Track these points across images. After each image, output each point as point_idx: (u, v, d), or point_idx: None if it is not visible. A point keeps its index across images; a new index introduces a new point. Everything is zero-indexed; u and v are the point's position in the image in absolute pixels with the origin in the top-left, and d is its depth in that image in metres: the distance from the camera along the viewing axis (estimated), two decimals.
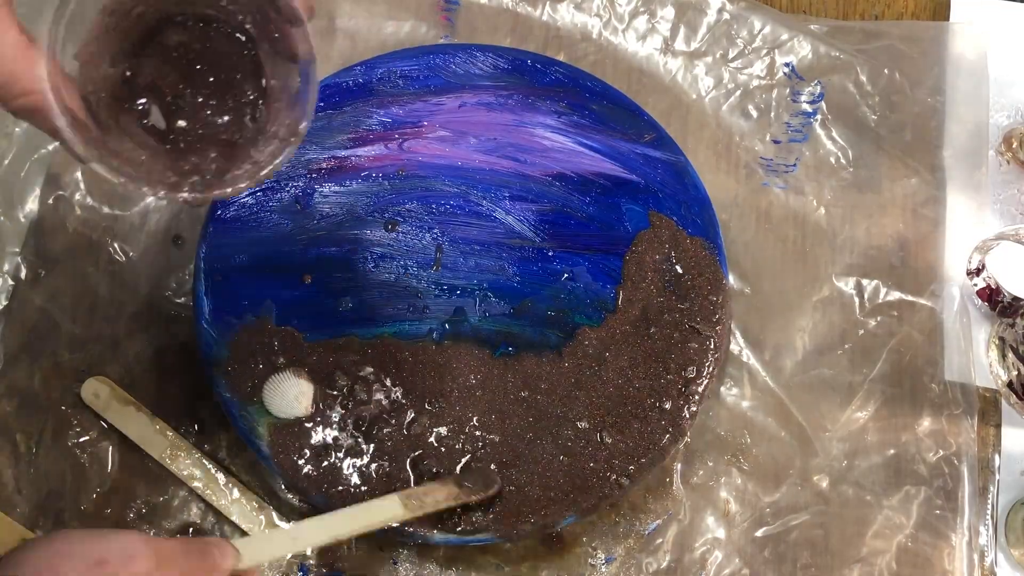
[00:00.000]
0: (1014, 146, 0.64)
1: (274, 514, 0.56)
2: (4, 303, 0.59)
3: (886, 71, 0.66)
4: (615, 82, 0.63)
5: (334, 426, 0.53)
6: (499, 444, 0.53)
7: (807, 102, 0.65)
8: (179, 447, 0.56)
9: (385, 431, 0.53)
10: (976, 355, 0.60)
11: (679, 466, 0.57)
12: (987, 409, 0.60)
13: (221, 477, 0.56)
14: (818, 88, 0.65)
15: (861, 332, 0.61)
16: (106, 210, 0.62)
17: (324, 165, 0.58)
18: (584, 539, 0.56)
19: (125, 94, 0.38)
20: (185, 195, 0.37)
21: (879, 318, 0.61)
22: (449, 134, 0.59)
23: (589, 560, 0.56)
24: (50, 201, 0.61)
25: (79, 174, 0.62)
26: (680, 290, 0.57)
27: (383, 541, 0.56)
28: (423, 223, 0.58)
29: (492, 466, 0.53)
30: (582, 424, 0.54)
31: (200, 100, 0.38)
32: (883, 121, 0.65)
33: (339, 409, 0.54)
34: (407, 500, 0.48)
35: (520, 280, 0.57)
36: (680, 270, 0.57)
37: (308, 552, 0.55)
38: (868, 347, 0.60)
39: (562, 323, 0.56)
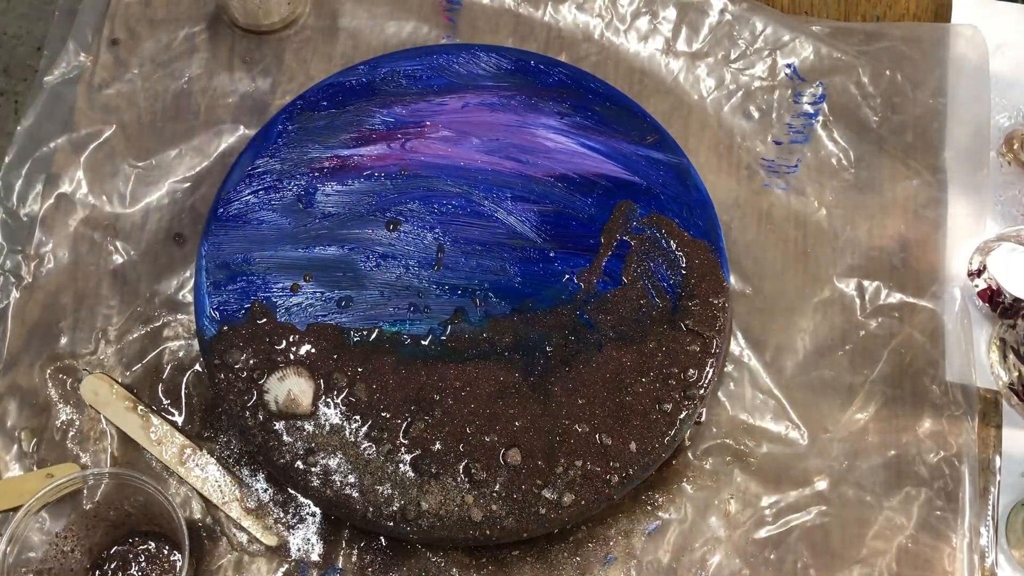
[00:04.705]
0: (1015, 147, 0.64)
1: (273, 509, 0.56)
2: (5, 302, 0.59)
3: (888, 72, 0.66)
4: (616, 83, 0.63)
5: (334, 425, 0.53)
6: (498, 445, 0.53)
7: (808, 103, 0.65)
8: (179, 445, 0.56)
9: (384, 431, 0.53)
10: (977, 356, 0.60)
11: (679, 467, 0.57)
12: (988, 410, 0.60)
13: (221, 474, 0.56)
14: (820, 89, 0.65)
15: (862, 333, 0.61)
16: (107, 209, 0.62)
17: (326, 164, 0.58)
18: (584, 539, 0.56)
19: None
20: None
21: (880, 319, 0.61)
22: (452, 134, 0.59)
23: (589, 560, 0.56)
24: (51, 200, 0.62)
25: (80, 173, 0.62)
26: (681, 292, 0.57)
27: (384, 539, 0.56)
28: (425, 223, 0.58)
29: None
30: (581, 427, 0.54)
31: None
32: (885, 122, 0.65)
33: (339, 408, 0.54)
34: None
35: (521, 281, 0.57)
36: (682, 272, 0.57)
37: (314, 557, 0.55)
38: (869, 348, 0.60)
39: (563, 324, 0.56)
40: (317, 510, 0.56)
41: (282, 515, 0.56)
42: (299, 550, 0.55)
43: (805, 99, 0.65)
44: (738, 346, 0.60)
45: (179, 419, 0.58)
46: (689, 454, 0.58)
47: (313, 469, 0.53)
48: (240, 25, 0.65)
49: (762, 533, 0.57)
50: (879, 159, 0.64)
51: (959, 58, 0.66)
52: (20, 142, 0.63)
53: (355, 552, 0.55)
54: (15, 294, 0.59)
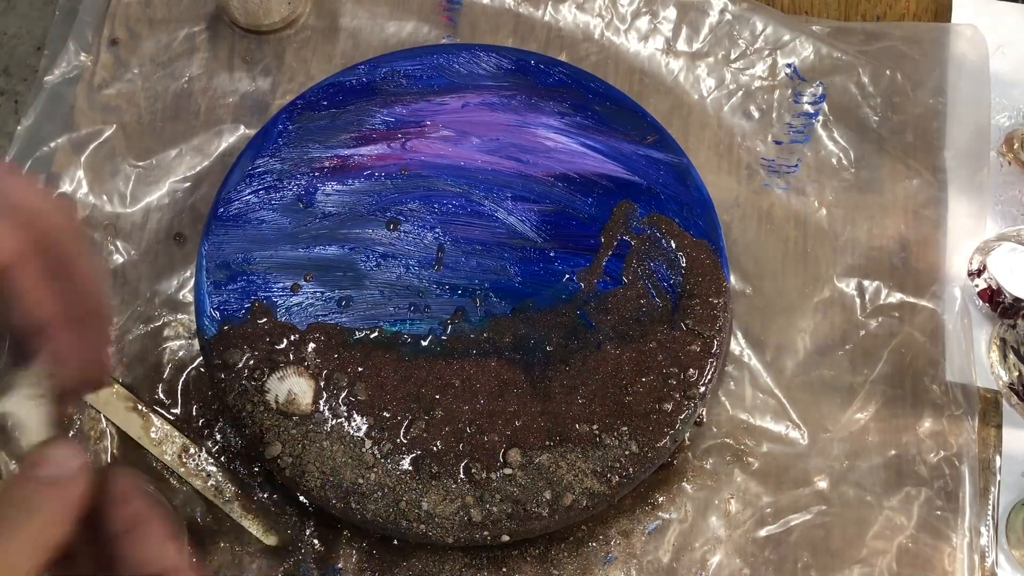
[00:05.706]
0: (1015, 147, 0.64)
1: (273, 510, 0.56)
2: None
3: (888, 72, 0.66)
4: (617, 83, 0.63)
5: (334, 424, 0.53)
6: (498, 444, 0.53)
7: (809, 103, 0.65)
8: (179, 445, 0.56)
9: (385, 430, 0.53)
10: (977, 356, 0.60)
11: (680, 467, 0.57)
12: (988, 410, 0.60)
13: (221, 474, 0.56)
14: (820, 89, 0.65)
15: (862, 333, 0.61)
16: (108, 208, 0.62)
17: (327, 164, 0.58)
18: (585, 539, 0.56)
19: None
20: None
21: (880, 319, 0.61)
22: (452, 134, 0.59)
23: (589, 560, 0.56)
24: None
25: (80, 172, 0.62)
26: (682, 292, 0.57)
27: (384, 539, 0.56)
28: (425, 223, 0.58)
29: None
30: (582, 426, 0.54)
31: None
32: (885, 122, 0.65)
33: (340, 407, 0.54)
34: None
35: (522, 280, 0.57)
36: (682, 272, 0.57)
37: (314, 557, 0.55)
38: (869, 348, 0.60)
39: (563, 324, 0.56)
40: (317, 510, 0.56)
41: (282, 515, 0.56)
42: (299, 550, 0.55)
43: (805, 99, 0.65)
44: (738, 346, 0.60)
45: (179, 419, 0.58)
46: (689, 454, 0.58)
47: (313, 469, 0.53)
48: (240, 25, 0.65)
49: (762, 533, 0.57)
50: (879, 159, 0.64)
51: (959, 58, 0.66)
52: (20, 142, 0.63)
53: (355, 552, 0.55)
54: None
